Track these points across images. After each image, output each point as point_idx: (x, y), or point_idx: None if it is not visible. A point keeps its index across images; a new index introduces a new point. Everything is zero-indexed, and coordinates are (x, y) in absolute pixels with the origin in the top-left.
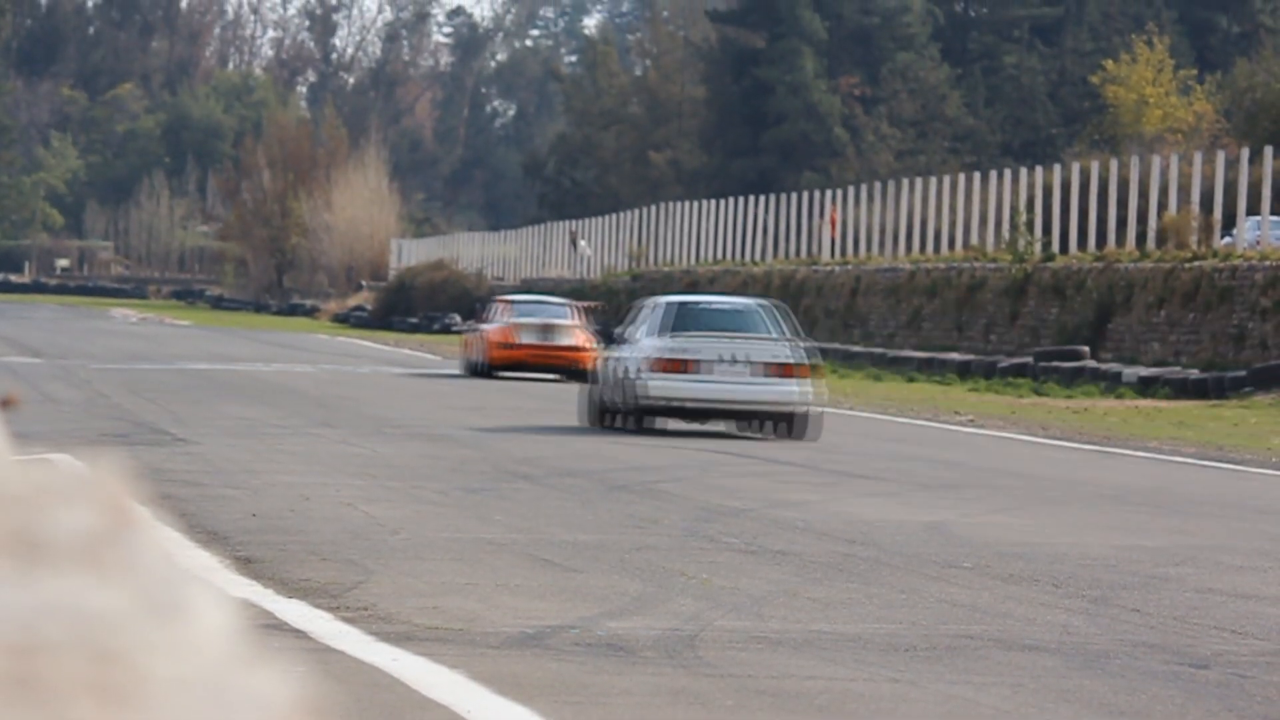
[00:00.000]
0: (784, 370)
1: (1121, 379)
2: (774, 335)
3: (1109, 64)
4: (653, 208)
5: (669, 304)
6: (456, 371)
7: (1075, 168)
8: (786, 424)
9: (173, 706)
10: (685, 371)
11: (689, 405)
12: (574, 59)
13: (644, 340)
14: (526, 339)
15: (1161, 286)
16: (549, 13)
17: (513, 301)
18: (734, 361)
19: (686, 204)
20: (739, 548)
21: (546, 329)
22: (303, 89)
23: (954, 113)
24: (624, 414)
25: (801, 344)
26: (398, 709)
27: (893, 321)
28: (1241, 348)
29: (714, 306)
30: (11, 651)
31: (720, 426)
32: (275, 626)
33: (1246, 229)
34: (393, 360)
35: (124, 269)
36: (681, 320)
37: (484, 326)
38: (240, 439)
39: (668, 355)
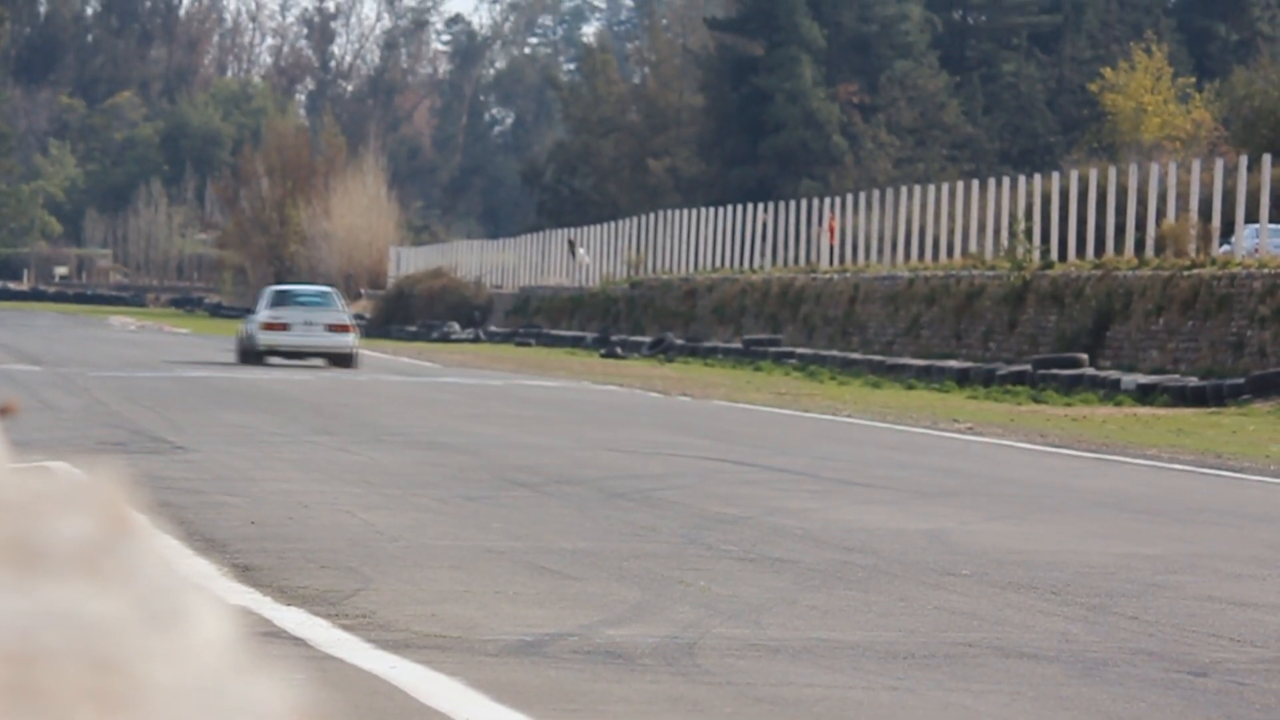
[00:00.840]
0: (341, 328)
1: (1120, 386)
2: (336, 308)
3: (1107, 72)
4: (651, 215)
5: (273, 291)
6: (319, 364)
7: (1074, 175)
8: (345, 360)
9: (172, 714)
10: (282, 330)
11: (284, 349)
12: (572, 67)
13: (260, 312)
14: (287, 328)
15: (1160, 294)
16: (547, 21)
17: (280, 292)
18: (310, 324)
19: (685, 212)
20: (737, 555)
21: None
22: (301, 97)
23: (952, 120)
24: (252, 355)
25: (351, 314)
26: (396, 716)
27: (891, 329)
28: (1240, 355)
29: (300, 291)
30: (10, 660)
31: (316, 363)
32: (274, 634)
33: (1245, 237)
34: (391, 368)
35: (122, 277)
36: (280, 300)
37: (256, 315)
38: (239, 446)
39: (271, 320)
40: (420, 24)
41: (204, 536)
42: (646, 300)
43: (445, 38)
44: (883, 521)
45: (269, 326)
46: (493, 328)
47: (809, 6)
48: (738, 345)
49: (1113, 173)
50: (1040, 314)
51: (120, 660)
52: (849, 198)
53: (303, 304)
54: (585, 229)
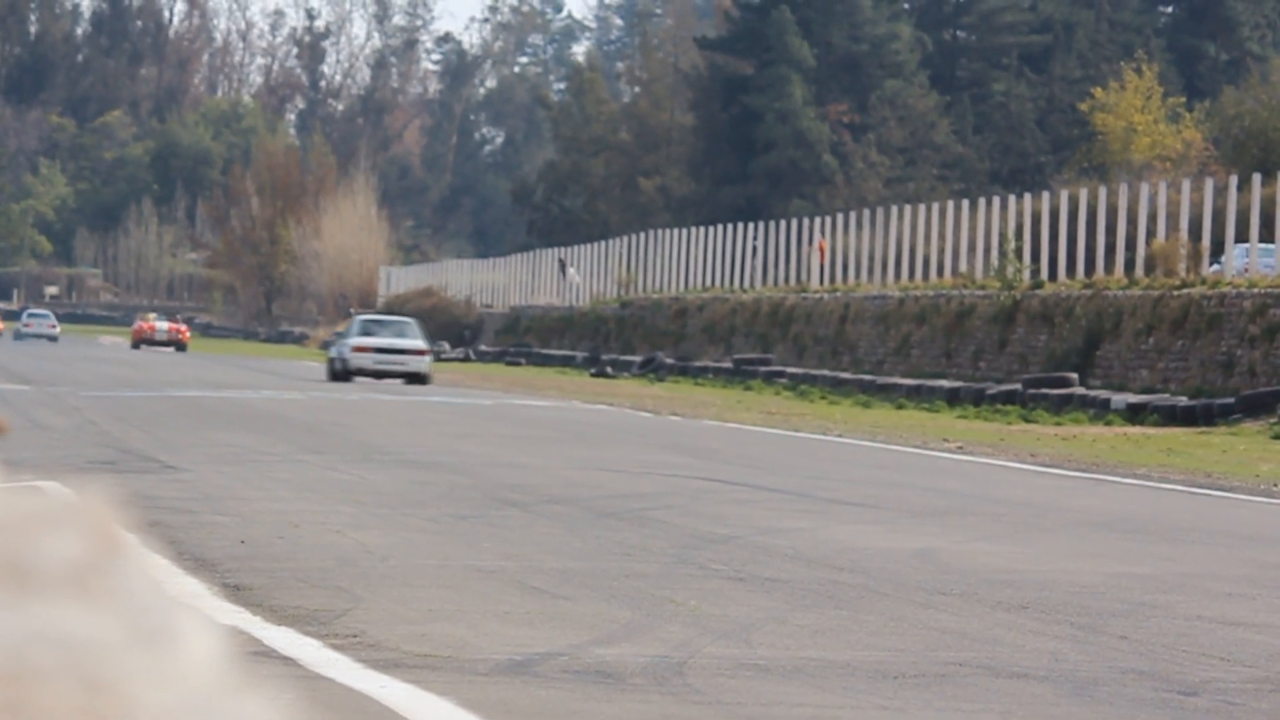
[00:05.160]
0: (52, 326)
1: (1110, 406)
2: (51, 320)
3: (1098, 91)
4: (642, 235)
5: (28, 311)
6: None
7: (1064, 195)
8: (54, 339)
9: None
10: (31, 325)
11: (31, 334)
12: (562, 86)
13: (24, 317)
14: (32, 325)
15: (1150, 313)
16: (537, 40)
17: (32, 313)
18: (39, 323)
19: (675, 231)
20: (728, 575)
21: (44, 322)
22: (291, 116)
23: (943, 140)
24: (19, 334)
25: (54, 318)
26: None
27: (881, 348)
28: (1230, 375)
29: (37, 311)
30: (0, 679)
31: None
32: (264, 654)
33: (1235, 256)
34: (382, 387)
35: (113, 296)
36: (31, 314)
37: (22, 318)
38: (229, 466)
39: (27, 320)
40: (410, 43)
41: (194, 556)
42: (637, 319)
43: (435, 57)
44: (873, 541)
45: (25, 325)
46: (483, 347)
47: (799, 26)
48: (728, 365)
49: (1103, 192)
50: (1030, 333)
51: (110, 680)
52: (839, 217)
53: (39, 317)
54: (575, 248)
